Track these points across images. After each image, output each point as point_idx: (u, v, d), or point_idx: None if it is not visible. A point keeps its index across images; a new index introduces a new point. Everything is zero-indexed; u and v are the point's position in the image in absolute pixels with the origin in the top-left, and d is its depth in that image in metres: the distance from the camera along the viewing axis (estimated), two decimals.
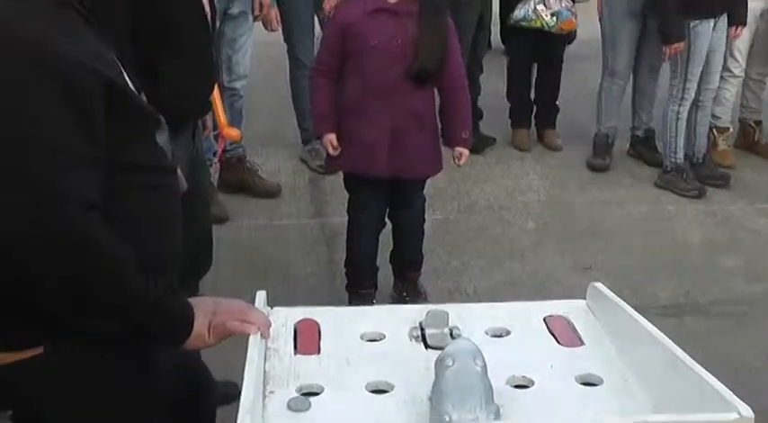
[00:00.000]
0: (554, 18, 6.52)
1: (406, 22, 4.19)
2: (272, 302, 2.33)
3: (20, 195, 1.90)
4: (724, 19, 6.08)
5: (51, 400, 2.11)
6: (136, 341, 2.11)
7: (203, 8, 3.38)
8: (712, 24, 6.02)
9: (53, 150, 1.93)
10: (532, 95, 6.99)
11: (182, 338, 2.12)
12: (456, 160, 4.51)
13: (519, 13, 6.55)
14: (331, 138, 4.39)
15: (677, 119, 6.13)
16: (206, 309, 2.13)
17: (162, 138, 2.32)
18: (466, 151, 4.51)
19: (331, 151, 4.44)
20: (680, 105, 6.11)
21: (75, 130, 1.95)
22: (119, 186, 2.04)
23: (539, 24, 6.53)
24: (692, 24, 5.95)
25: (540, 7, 6.48)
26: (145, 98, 2.25)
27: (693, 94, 6.15)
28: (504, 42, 7.68)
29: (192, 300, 2.16)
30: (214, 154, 5.17)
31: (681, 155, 6.21)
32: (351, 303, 4.62)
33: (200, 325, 2.11)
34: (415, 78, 4.23)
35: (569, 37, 6.96)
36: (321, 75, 4.41)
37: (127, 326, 2.04)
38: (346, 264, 4.72)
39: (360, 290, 4.65)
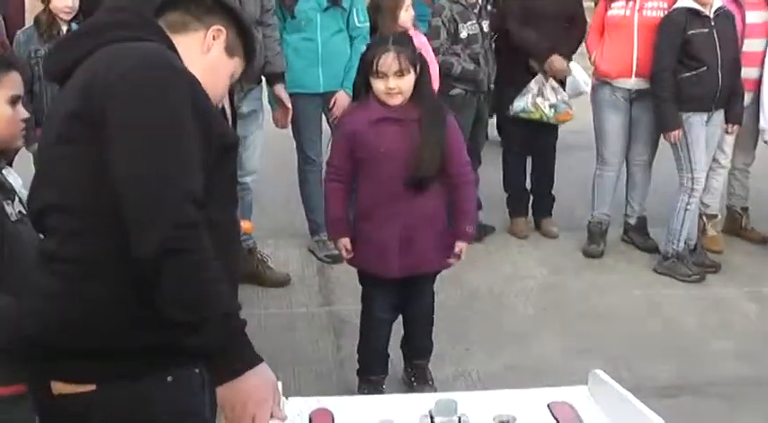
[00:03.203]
0: (552, 110, 6.61)
1: (409, 129, 4.26)
2: (284, 390, 2.34)
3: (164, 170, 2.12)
4: (719, 114, 6.17)
5: None
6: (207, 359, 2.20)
7: (224, 109, 3.40)
8: (706, 118, 6.11)
9: (188, 155, 2.17)
10: (529, 185, 7.04)
11: (244, 368, 2.16)
12: (455, 257, 4.54)
13: (518, 104, 6.61)
14: (345, 242, 4.45)
15: (686, 209, 6.16)
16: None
17: None
18: (465, 246, 4.52)
19: (344, 255, 4.51)
20: (690, 196, 6.14)
21: (203, 142, 2.21)
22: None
23: (538, 116, 6.61)
24: (684, 116, 6.05)
25: (539, 99, 6.57)
26: None
27: (703, 185, 6.21)
28: (499, 134, 7.73)
29: None
30: None
31: (683, 243, 6.23)
32: (360, 389, 4.63)
33: (266, 378, 2.18)
34: (418, 184, 4.29)
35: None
36: (334, 179, 4.46)
37: (210, 320, 2.11)
38: (359, 352, 4.71)
39: (371, 376, 4.65)
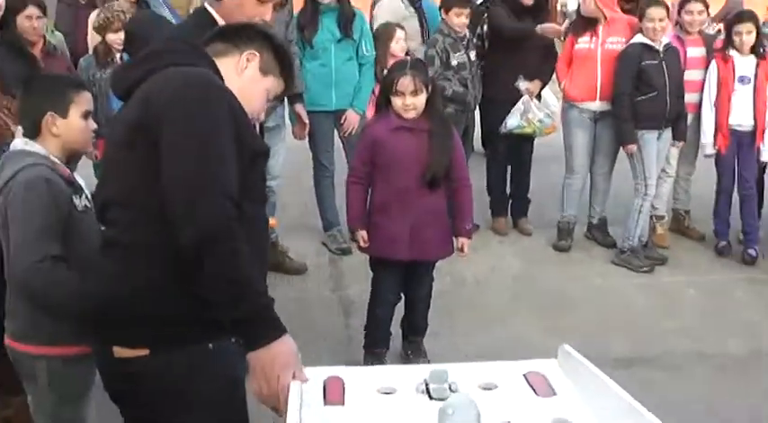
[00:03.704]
0: (541, 124, 6.57)
1: (420, 137, 4.32)
2: (302, 361, 2.34)
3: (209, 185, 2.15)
4: (668, 132, 6.18)
5: (149, 389, 2.32)
6: (242, 330, 2.22)
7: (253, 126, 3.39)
8: (657, 134, 6.11)
9: (225, 160, 2.20)
10: (508, 190, 7.01)
11: (270, 338, 2.19)
12: (459, 251, 4.59)
13: (512, 123, 6.52)
14: (363, 234, 4.51)
15: (639, 211, 6.18)
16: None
17: None
18: (468, 241, 4.59)
19: (362, 244, 4.54)
20: (643, 200, 6.17)
21: (237, 149, 2.24)
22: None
23: (530, 130, 6.56)
24: (639, 133, 6.05)
25: (530, 115, 6.52)
26: None
27: (654, 190, 6.21)
28: (484, 147, 7.72)
29: None
30: None
31: (637, 239, 6.23)
32: (366, 360, 4.64)
33: (290, 347, 2.22)
34: (428, 183, 4.34)
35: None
36: (356, 181, 4.52)
37: (240, 301, 2.16)
38: (366, 329, 4.72)
39: (375, 349, 4.67)
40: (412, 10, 6.90)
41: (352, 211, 4.57)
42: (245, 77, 2.50)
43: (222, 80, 2.39)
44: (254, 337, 2.19)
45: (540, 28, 6.50)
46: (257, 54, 2.51)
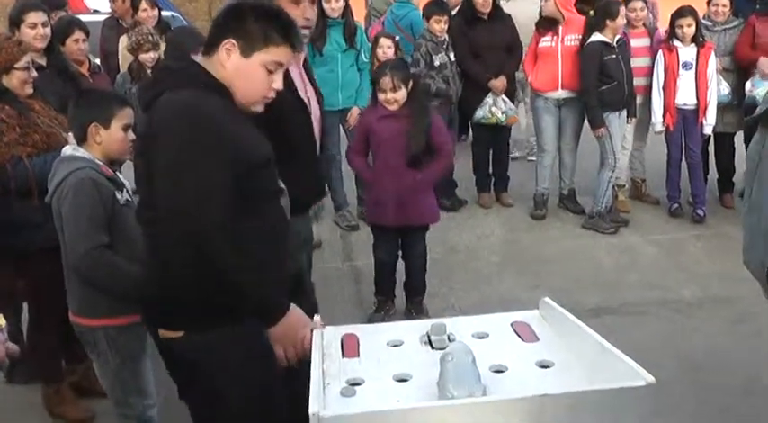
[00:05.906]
0: (504, 115, 6.54)
1: (402, 122, 4.41)
2: (323, 322, 2.34)
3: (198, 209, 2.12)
4: (624, 112, 6.17)
5: (189, 363, 2.35)
6: (258, 315, 2.29)
7: (314, 134, 3.22)
8: (618, 114, 6.10)
9: (214, 187, 2.14)
10: (491, 170, 6.99)
11: (278, 317, 2.26)
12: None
13: (479, 114, 6.51)
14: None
15: (608, 182, 6.17)
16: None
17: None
18: (410, 179, 4.44)
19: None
20: (612, 172, 6.16)
21: (223, 167, 2.16)
22: (249, 210, 2.24)
23: (494, 121, 6.52)
24: (605, 115, 6.04)
25: (494, 108, 6.50)
26: None
27: (620, 162, 6.21)
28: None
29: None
30: None
31: (603, 206, 6.22)
32: (375, 308, 4.76)
33: (299, 313, 2.29)
34: (410, 162, 4.44)
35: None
36: (355, 152, 4.72)
37: (241, 295, 2.22)
38: (375, 279, 4.81)
39: (380, 296, 4.77)
40: None
41: (360, 167, 4.74)
42: (230, 69, 2.27)
43: (217, 86, 2.27)
44: (269, 318, 2.28)
45: (490, 84, 6.41)
46: (234, 41, 2.25)
